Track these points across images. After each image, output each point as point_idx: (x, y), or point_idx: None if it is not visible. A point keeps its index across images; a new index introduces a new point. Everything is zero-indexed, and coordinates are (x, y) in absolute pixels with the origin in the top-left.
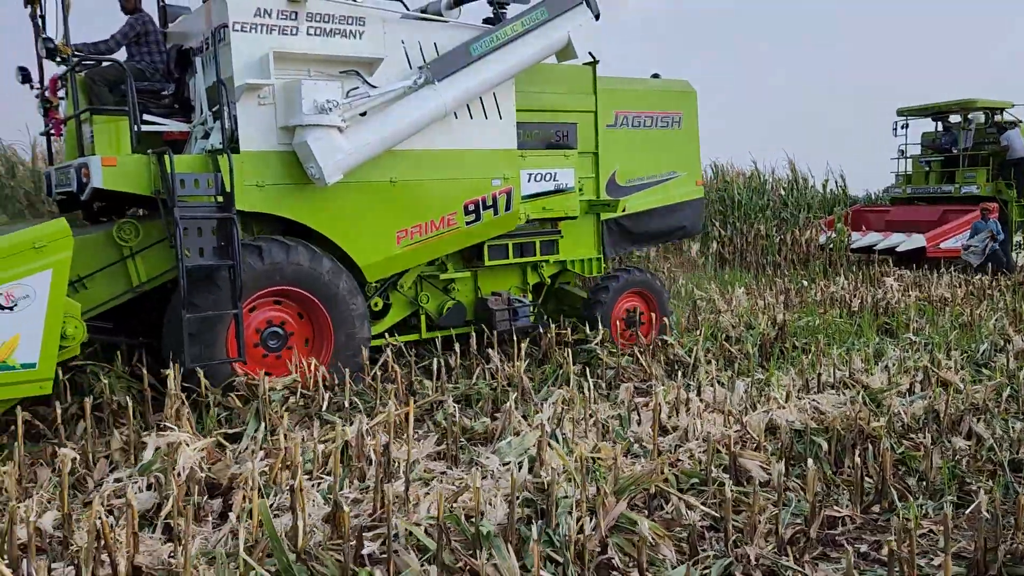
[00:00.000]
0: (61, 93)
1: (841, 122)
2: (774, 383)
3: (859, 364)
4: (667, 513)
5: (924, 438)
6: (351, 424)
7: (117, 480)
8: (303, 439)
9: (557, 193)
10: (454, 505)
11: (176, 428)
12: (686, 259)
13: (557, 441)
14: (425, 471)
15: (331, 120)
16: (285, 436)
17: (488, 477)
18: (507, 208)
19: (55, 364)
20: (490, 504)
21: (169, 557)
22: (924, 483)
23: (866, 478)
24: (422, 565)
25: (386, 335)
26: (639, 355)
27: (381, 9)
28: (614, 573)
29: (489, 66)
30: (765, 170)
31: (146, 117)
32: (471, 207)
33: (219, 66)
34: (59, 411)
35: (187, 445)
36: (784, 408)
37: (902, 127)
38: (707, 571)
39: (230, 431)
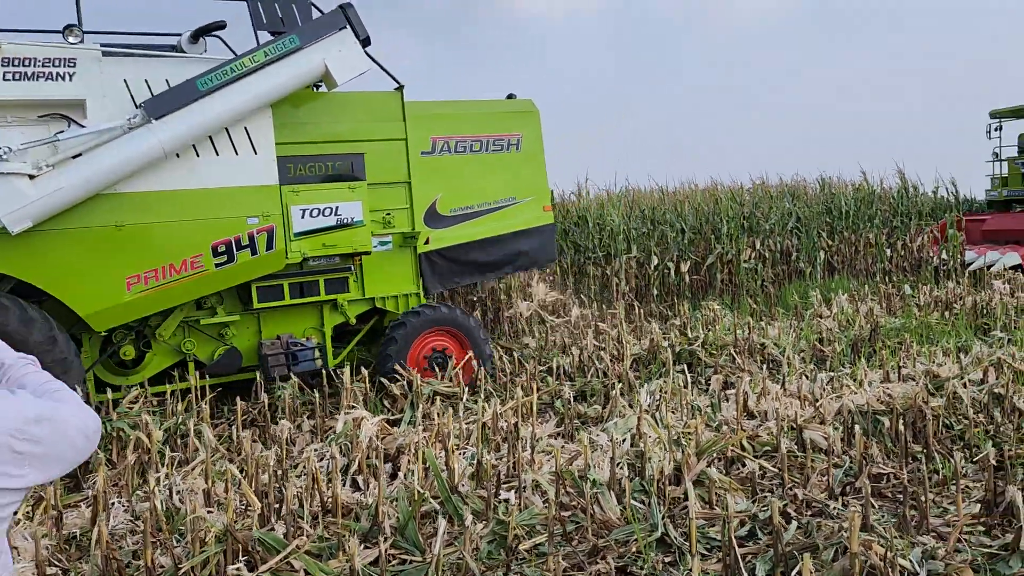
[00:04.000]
0: None
1: (945, 126)
2: (856, 376)
3: (940, 359)
4: (741, 472)
5: (980, 416)
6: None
7: (315, 449)
8: (451, 419)
9: (341, 228)
10: (569, 466)
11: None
12: (793, 268)
13: (654, 420)
14: (547, 445)
15: (11, 167)
16: (438, 415)
17: (597, 450)
18: (269, 247)
19: None
20: (597, 466)
21: (360, 499)
22: (969, 451)
23: (913, 444)
24: (544, 503)
25: (144, 385)
26: (735, 355)
27: (96, 48)
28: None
29: (222, 101)
30: (874, 181)
31: None
32: (221, 248)
33: None
34: (266, 403)
35: (368, 419)
36: (856, 393)
37: (996, 129)
38: (765, 508)
39: (391, 417)
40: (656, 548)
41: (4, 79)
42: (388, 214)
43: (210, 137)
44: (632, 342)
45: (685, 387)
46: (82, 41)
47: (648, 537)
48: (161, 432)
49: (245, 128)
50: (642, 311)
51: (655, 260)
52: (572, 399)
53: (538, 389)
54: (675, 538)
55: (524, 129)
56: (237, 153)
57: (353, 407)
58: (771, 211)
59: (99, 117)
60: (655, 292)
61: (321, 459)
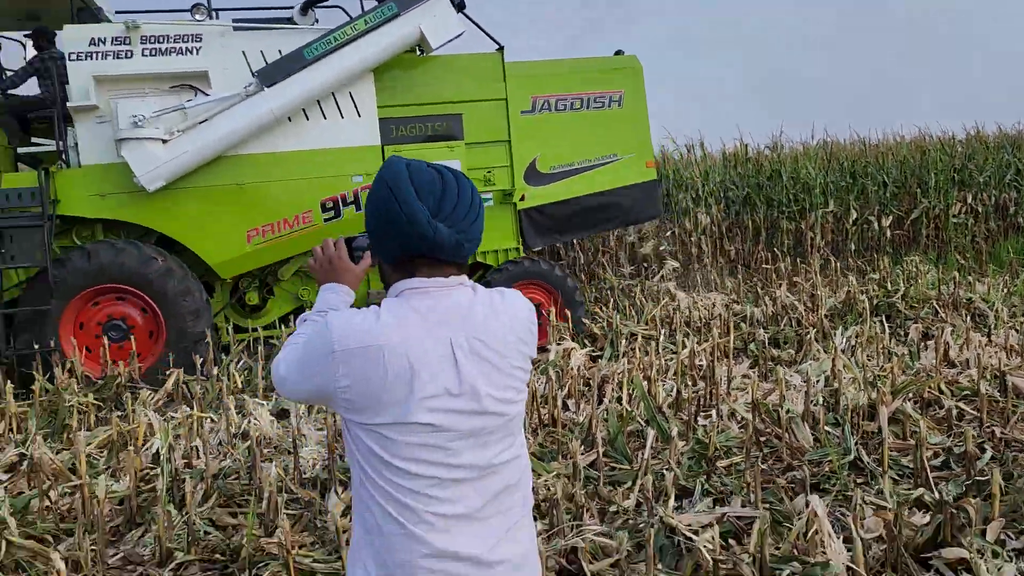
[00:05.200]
0: None
1: None
2: None
3: None
4: (937, 414)
5: None
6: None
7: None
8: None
9: None
10: (763, 400)
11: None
12: (1010, 224)
13: (850, 362)
14: (740, 383)
15: (147, 133)
16: (638, 351)
17: (790, 389)
18: None
19: None
20: (791, 401)
21: (572, 417)
22: None
23: None
24: (740, 428)
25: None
26: (938, 308)
27: (222, 24)
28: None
29: (327, 68)
30: None
31: (34, 140)
32: (329, 205)
33: (56, 91)
34: None
35: (576, 350)
36: None
37: None
38: (960, 443)
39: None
40: (848, 470)
41: (142, 55)
42: (489, 172)
43: (317, 102)
44: (827, 294)
45: (882, 335)
46: (209, 18)
47: (841, 460)
48: None
49: (349, 92)
50: (838, 265)
51: (854, 214)
52: (766, 342)
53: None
54: (867, 462)
55: (626, 86)
56: (342, 116)
57: (563, 339)
58: (987, 163)
59: (220, 86)
60: (852, 247)
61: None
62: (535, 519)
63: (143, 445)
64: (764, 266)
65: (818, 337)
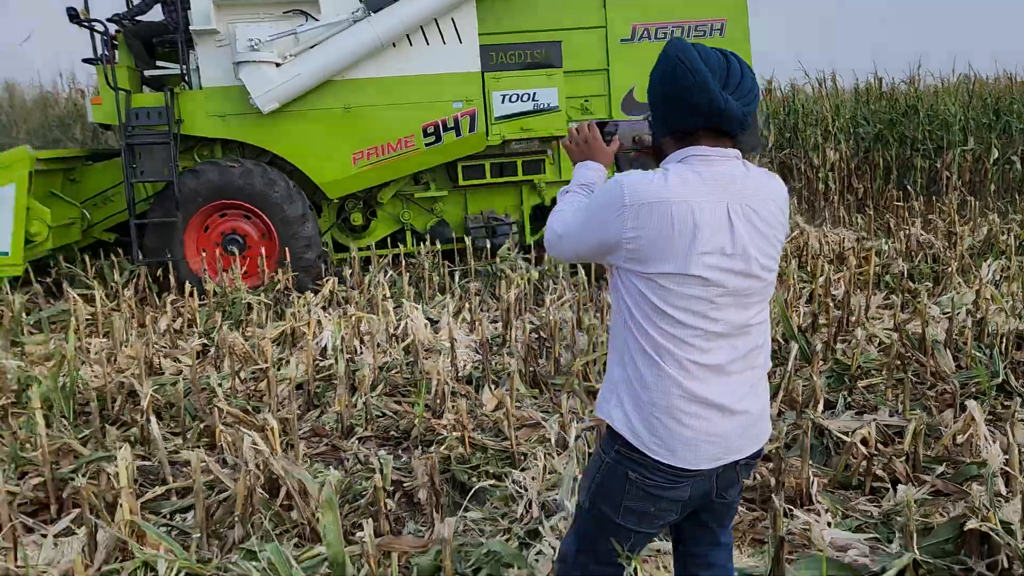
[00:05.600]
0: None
1: None
2: None
3: None
4: None
5: None
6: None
7: None
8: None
9: (538, 113)
10: (903, 327)
11: None
12: None
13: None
14: (877, 312)
15: (263, 56)
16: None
17: (930, 320)
18: (471, 130)
19: (23, 254)
20: (931, 329)
21: None
22: None
23: None
24: (879, 351)
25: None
26: None
27: None
28: None
29: None
30: None
31: (159, 63)
32: (430, 129)
33: (179, 17)
34: None
35: None
36: None
37: None
38: None
39: None
40: (996, 392)
41: None
42: (586, 101)
43: (421, 28)
44: (965, 232)
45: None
46: None
47: (989, 382)
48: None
49: (452, 19)
50: (977, 204)
51: (995, 153)
52: (904, 273)
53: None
54: (1016, 386)
55: (729, 14)
56: (444, 42)
57: None
58: None
59: (330, 12)
60: (992, 188)
61: None
62: None
63: (312, 339)
64: (895, 203)
65: (958, 271)
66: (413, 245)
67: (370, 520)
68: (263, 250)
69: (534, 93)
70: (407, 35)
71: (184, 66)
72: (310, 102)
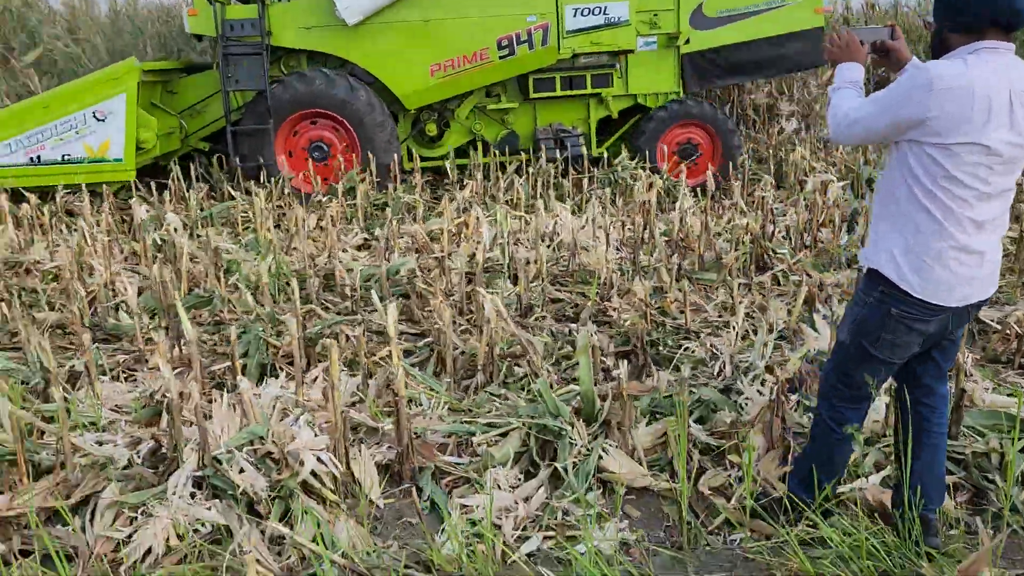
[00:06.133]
0: None
1: None
2: None
3: None
4: None
5: None
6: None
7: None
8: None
9: (608, 27)
10: None
11: None
12: None
13: None
14: None
15: None
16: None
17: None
18: (543, 43)
19: (134, 160)
20: None
21: None
22: None
23: None
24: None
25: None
26: None
27: None
28: None
29: None
30: None
31: None
32: (504, 42)
33: None
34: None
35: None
36: None
37: None
38: None
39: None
40: None
41: None
42: (655, 15)
43: None
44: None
45: None
46: None
47: None
48: None
49: None
50: None
51: None
52: None
53: None
54: None
55: None
56: None
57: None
58: None
59: None
60: None
61: (784, 215)
62: None
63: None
64: None
65: None
66: (483, 155)
67: (625, 361)
68: (342, 157)
69: (605, 7)
70: None
71: None
72: (392, 14)
